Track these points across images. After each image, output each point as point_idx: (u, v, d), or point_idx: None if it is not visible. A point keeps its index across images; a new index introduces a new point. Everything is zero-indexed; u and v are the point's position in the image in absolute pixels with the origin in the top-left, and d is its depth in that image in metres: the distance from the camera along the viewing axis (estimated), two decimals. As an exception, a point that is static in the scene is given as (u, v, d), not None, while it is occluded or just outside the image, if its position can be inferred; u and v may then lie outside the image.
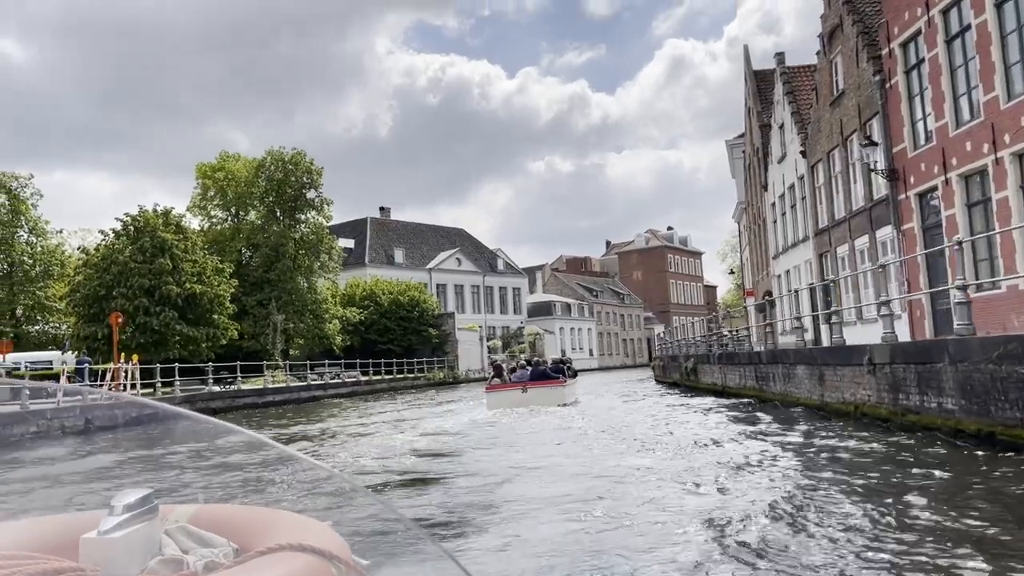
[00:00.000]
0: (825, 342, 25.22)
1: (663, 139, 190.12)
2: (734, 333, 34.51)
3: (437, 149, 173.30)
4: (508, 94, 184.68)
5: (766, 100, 33.88)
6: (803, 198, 28.08)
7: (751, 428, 11.88)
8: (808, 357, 12.22)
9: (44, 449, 17.63)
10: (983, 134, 16.28)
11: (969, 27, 16.56)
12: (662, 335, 60.18)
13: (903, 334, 20.00)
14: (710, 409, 16.76)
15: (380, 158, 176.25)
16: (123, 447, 16.52)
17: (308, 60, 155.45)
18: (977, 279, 17.20)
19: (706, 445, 10.71)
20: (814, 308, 27.27)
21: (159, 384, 28.92)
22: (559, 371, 23.40)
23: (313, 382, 38.34)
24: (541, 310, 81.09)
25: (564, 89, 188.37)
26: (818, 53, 25.51)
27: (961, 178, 17.39)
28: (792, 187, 29.29)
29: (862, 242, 22.81)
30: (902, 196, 19.90)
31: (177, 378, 27.54)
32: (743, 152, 41.12)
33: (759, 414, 14.15)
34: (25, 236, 49.52)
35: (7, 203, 48.46)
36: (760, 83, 34.82)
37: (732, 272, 49.87)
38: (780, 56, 30.38)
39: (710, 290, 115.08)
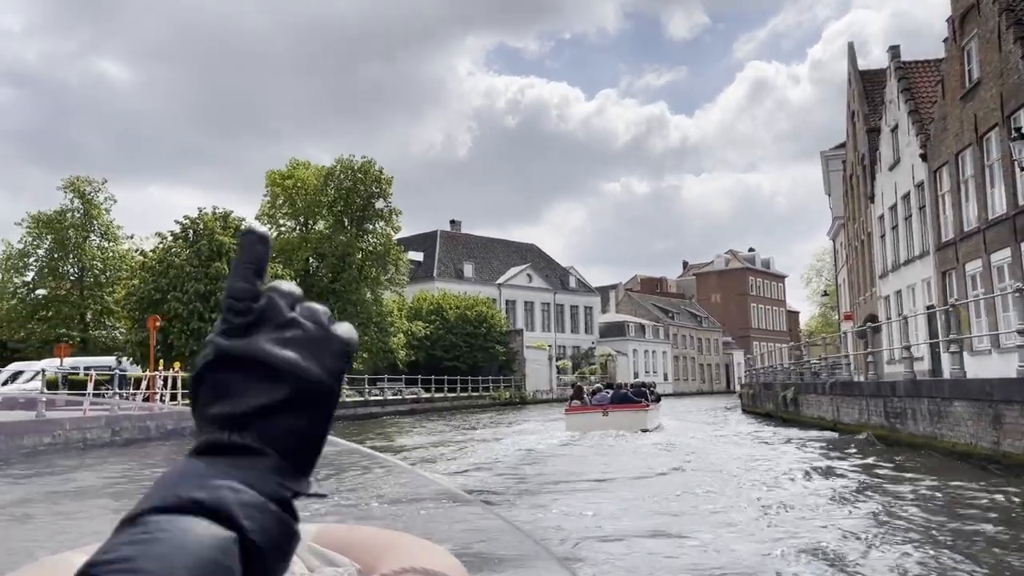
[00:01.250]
0: (946, 374, 21.82)
1: (742, 162, 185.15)
2: (823, 361, 31.11)
3: (513, 169, 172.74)
4: (586, 115, 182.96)
5: (874, 102, 30.50)
6: (921, 208, 24.65)
7: (910, 485, 8.97)
8: (978, 391, 9.29)
9: (71, 461, 15.89)
10: None
11: None
12: (748, 360, 56.42)
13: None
14: (830, 448, 13.79)
15: (456, 177, 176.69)
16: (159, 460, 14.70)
17: (392, 83, 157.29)
18: None
19: (857, 503, 7.89)
20: (933, 334, 23.85)
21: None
22: (641, 395, 22.63)
23: (371, 397, 36.35)
24: (614, 331, 77.96)
25: (642, 111, 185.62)
26: (945, 41, 22.23)
27: None
28: (907, 196, 25.87)
29: (1001, 256, 19.37)
30: (1061, 200, 16.55)
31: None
32: (842, 163, 37.61)
33: (902, 461, 11.18)
34: (97, 241, 49.46)
35: (81, 207, 48.46)
36: (867, 84, 31.45)
37: (826, 294, 46.02)
38: (895, 49, 27.08)
39: (793, 316, 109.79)
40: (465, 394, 47.19)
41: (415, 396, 41.05)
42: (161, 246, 33.45)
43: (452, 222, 73.19)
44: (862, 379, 20.65)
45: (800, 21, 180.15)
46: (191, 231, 33.43)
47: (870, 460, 11.51)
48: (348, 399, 34.27)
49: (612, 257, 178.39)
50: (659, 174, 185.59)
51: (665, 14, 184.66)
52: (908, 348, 15.37)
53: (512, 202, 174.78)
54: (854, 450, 13.19)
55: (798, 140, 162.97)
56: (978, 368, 16.27)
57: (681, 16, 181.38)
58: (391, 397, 38.52)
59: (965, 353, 21.74)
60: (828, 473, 10.73)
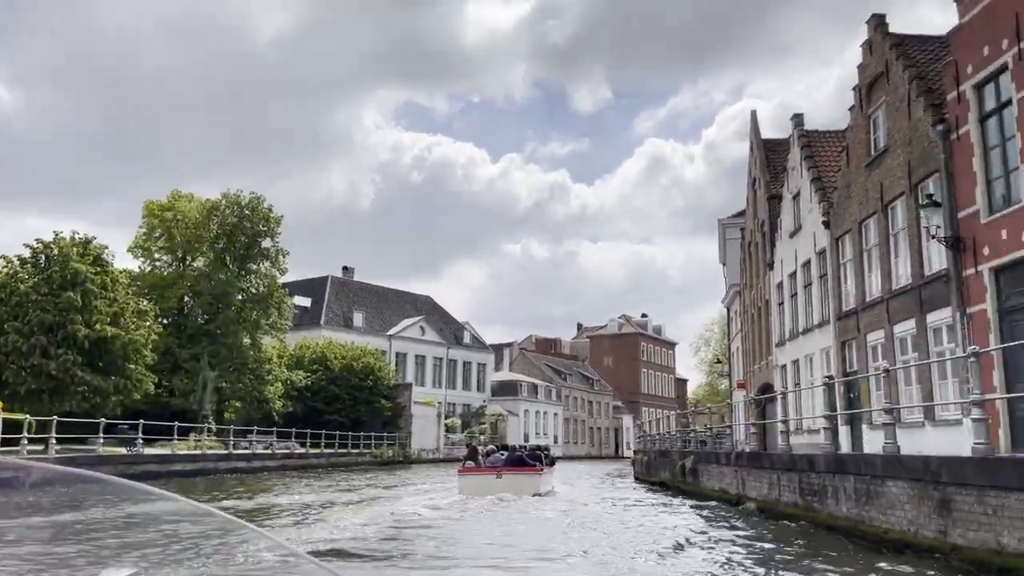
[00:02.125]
0: (845, 447, 21.03)
1: (638, 233, 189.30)
2: (709, 430, 30.34)
3: (415, 224, 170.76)
4: (491, 177, 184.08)
5: (776, 170, 30.51)
6: (822, 276, 24.24)
7: None
8: (920, 470, 7.96)
9: None
10: (1105, 190, 12.50)
11: (1086, 55, 12.99)
12: (637, 425, 55.57)
13: (967, 444, 15.85)
14: (730, 525, 12.32)
15: (357, 228, 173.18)
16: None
17: (300, 128, 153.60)
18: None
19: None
20: (831, 406, 23.21)
21: (53, 441, 23.42)
22: (536, 458, 22.49)
23: (237, 451, 33.07)
24: (506, 389, 76.22)
25: (546, 177, 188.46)
26: (851, 109, 22.08)
27: (1064, 248, 13.54)
28: (808, 264, 25.51)
29: (905, 328, 18.82)
30: (970, 271, 16.01)
31: (54, 435, 22.23)
32: (741, 231, 37.65)
33: (819, 549, 9.77)
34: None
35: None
36: (769, 152, 31.53)
37: (719, 361, 45.85)
38: (798, 118, 27.07)
39: (681, 383, 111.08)
40: (344, 451, 44.15)
41: (288, 451, 37.88)
42: (5, 270, 29.68)
43: (345, 268, 70.41)
44: (775, 449, 19.62)
45: (697, 104, 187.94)
46: (43, 256, 29.89)
47: (780, 544, 10.05)
48: (210, 451, 30.92)
49: (510, 317, 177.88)
50: (559, 239, 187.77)
51: (572, 86, 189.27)
52: (829, 418, 14.18)
53: (412, 256, 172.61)
54: (767, 534, 11.77)
55: (691, 217, 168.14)
56: (909, 443, 15.32)
57: (586, 90, 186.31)
58: (260, 451, 35.27)
59: (865, 426, 21.19)
60: (728, 557, 9.20)
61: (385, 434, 50.05)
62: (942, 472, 7.63)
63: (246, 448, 34.80)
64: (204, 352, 39.96)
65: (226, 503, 18.34)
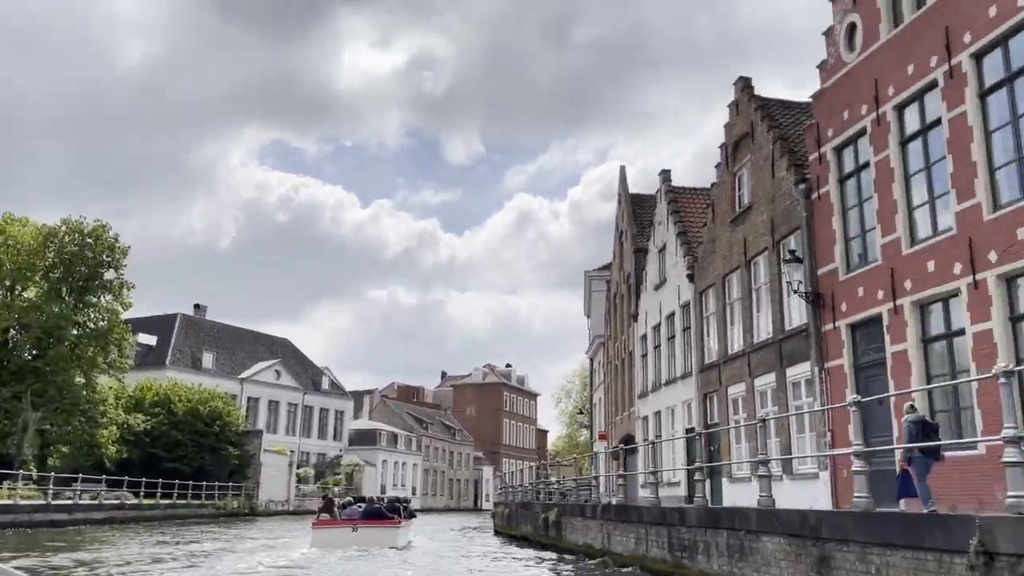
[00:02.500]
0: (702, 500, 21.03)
1: (504, 284, 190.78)
2: (572, 481, 30.09)
3: (278, 266, 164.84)
4: (360, 222, 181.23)
5: (642, 224, 31.07)
6: (685, 328, 24.55)
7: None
8: (798, 525, 7.60)
9: None
10: (955, 251, 13.03)
11: (938, 122, 13.64)
12: (498, 477, 54.72)
13: (823, 498, 16.04)
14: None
15: (215, 267, 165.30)
16: None
17: (159, 161, 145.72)
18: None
19: None
20: (691, 459, 23.28)
21: None
22: (395, 510, 22.21)
23: (58, 501, 29.70)
24: (365, 438, 73.67)
25: (416, 225, 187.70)
26: (718, 166, 22.69)
27: (916, 306, 14.01)
28: (671, 316, 25.83)
29: (765, 381, 19.12)
30: (829, 327, 16.41)
31: None
32: (607, 283, 38.12)
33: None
34: None
35: None
36: (636, 207, 32.15)
37: (581, 412, 45.96)
38: (665, 174, 27.71)
39: (542, 434, 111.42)
40: (184, 501, 40.79)
41: (118, 502, 34.47)
42: None
43: (197, 306, 66.45)
44: (635, 501, 19.25)
45: (565, 163, 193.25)
46: None
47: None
48: (24, 501, 27.55)
49: (372, 364, 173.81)
50: (426, 287, 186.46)
51: (445, 137, 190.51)
52: (694, 470, 13.87)
53: (273, 298, 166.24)
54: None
55: (555, 271, 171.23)
56: (784, 496, 15.20)
57: (460, 142, 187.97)
58: (85, 501, 31.86)
59: (725, 479, 21.29)
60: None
61: (231, 484, 46.79)
62: (822, 527, 7.26)
63: (69, 498, 31.34)
64: (27, 391, 36.05)
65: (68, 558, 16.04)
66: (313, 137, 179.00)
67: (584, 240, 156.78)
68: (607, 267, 40.93)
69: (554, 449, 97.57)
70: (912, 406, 12.97)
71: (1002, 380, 5.74)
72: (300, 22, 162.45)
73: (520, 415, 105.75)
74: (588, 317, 49.06)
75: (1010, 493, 5.52)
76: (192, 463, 45.66)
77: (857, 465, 7.49)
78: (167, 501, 39.31)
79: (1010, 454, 5.55)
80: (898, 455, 13.07)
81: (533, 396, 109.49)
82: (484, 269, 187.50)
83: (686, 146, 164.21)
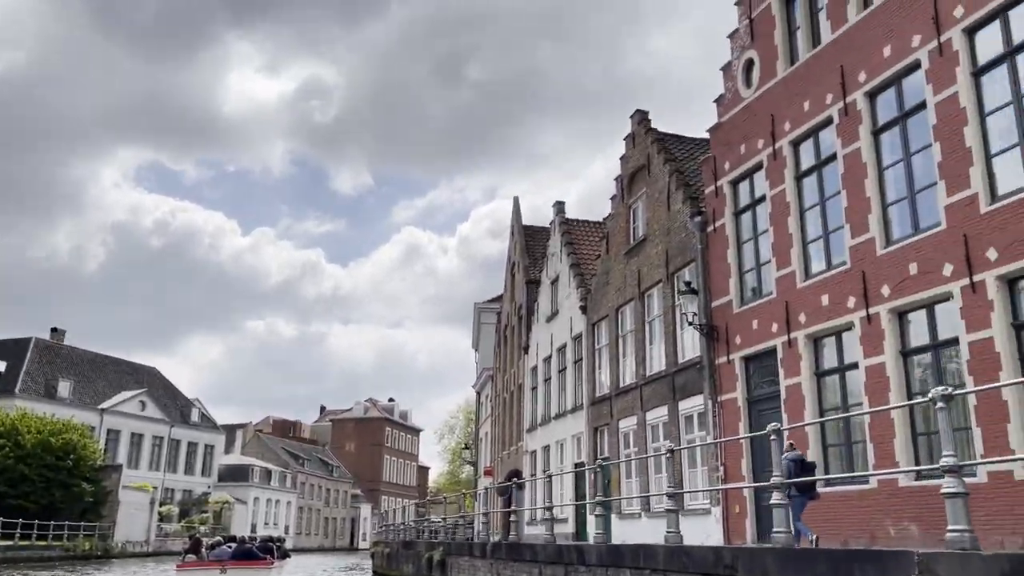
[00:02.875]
0: (592, 537, 20.54)
1: (389, 318, 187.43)
2: (459, 518, 29.10)
3: (149, 292, 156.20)
4: (240, 250, 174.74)
5: (535, 256, 30.80)
6: (577, 361, 24.21)
7: None
8: (709, 561, 7.03)
9: None
10: (848, 285, 13.13)
11: (833, 158, 13.83)
12: (376, 515, 52.79)
13: (715, 534, 15.79)
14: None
15: (80, 292, 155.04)
16: None
17: (21, 179, 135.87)
18: (825, 468, 13.55)
19: None
20: (580, 494, 22.82)
21: None
22: (267, 550, 21.57)
23: None
24: (236, 474, 69.84)
25: (298, 254, 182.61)
26: (613, 199, 22.63)
27: (810, 339, 14.05)
28: (563, 348, 25.47)
29: (657, 415, 18.89)
30: (722, 359, 16.33)
31: None
32: (497, 314, 37.60)
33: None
34: None
35: None
36: (529, 239, 31.89)
37: (467, 447, 44.99)
38: (560, 205, 27.57)
39: (423, 471, 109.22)
40: (27, 542, 37.02)
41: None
42: None
43: (54, 330, 61.56)
44: (521, 538, 18.45)
45: (453, 199, 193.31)
46: None
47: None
48: None
49: (248, 397, 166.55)
50: (307, 319, 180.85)
51: (333, 167, 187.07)
52: (593, 505, 13.25)
53: (142, 325, 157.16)
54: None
55: (442, 306, 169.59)
56: (658, 533, 14.80)
57: (348, 173, 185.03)
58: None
59: (614, 515, 20.85)
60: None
61: (83, 523, 42.95)
62: (738, 565, 6.74)
63: None
64: None
65: None
66: (193, 160, 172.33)
67: (472, 275, 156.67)
68: (497, 299, 40.49)
69: (435, 486, 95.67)
70: (791, 444, 12.98)
71: (940, 405, 5.42)
72: (185, 43, 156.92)
73: (402, 451, 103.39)
74: (476, 350, 48.37)
75: (951, 527, 5.12)
76: (40, 500, 41.64)
77: (776, 498, 7.02)
78: (8, 542, 35.54)
79: (949, 484, 5.17)
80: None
81: (416, 432, 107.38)
82: (369, 302, 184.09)
83: (573, 187, 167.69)
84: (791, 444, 12.96)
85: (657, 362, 19.18)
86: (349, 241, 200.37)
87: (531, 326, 29.13)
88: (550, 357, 26.61)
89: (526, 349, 29.47)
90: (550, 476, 17.42)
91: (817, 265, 14.18)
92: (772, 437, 8.00)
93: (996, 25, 11.04)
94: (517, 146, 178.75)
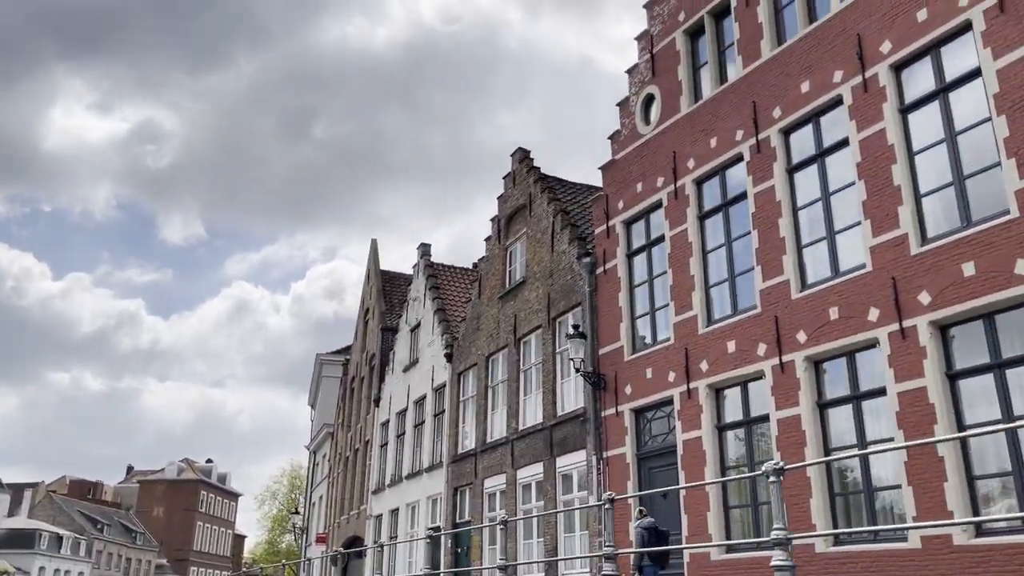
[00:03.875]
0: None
1: (211, 376, 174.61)
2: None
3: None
4: (49, 295, 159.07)
5: (392, 303, 28.73)
6: (438, 414, 22.19)
7: None
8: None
9: None
10: (759, 331, 12.17)
11: (743, 197, 13.03)
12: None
13: (597, 607, 14.11)
14: None
15: None
16: None
17: None
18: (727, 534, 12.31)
19: None
20: (434, 563, 20.54)
21: None
22: None
23: None
24: (19, 540, 61.07)
25: (116, 304, 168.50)
26: (488, 240, 21.17)
27: (712, 390, 12.95)
28: (422, 400, 23.39)
29: (531, 473, 17.19)
30: (610, 411, 14.96)
31: None
32: (344, 364, 34.90)
33: None
34: None
35: None
36: (387, 284, 29.80)
37: (297, 512, 41.01)
38: (425, 248, 25.79)
39: (239, 539, 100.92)
40: None
41: None
42: None
43: None
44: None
45: (291, 256, 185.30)
46: None
47: None
48: None
49: (45, 456, 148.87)
50: (120, 374, 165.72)
51: (163, 216, 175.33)
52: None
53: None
54: None
55: (269, 365, 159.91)
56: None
57: (179, 222, 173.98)
58: None
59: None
60: None
61: None
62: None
63: None
64: None
65: None
66: (3, 195, 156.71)
67: (304, 335, 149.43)
68: (343, 351, 37.81)
69: (251, 557, 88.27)
70: (642, 510, 11.80)
71: (772, 479, 4.40)
72: (3, 69, 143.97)
73: (217, 517, 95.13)
74: (313, 407, 45.08)
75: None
76: None
77: (608, 569, 5.47)
78: None
79: (778, 558, 4.23)
80: (632, 559, 11.78)
81: (234, 496, 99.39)
82: (190, 358, 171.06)
83: (415, 252, 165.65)
84: (642, 511, 11.78)
85: (532, 415, 17.59)
86: (174, 293, 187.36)
87: (384, 377, 26.83)
88: (405, 410, 24.40)
89: (377, 401, 27.06)
90: (359, 551, 15.15)
91: (721, 309, 13.21)
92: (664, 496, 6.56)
93: (927, 61, 10.62)
94: (360, 207, 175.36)
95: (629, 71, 16.27)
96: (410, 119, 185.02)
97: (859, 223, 11.04)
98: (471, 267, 25.59)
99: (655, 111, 15.40)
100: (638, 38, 16.12)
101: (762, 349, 12.06)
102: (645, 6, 15.98)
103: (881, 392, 10.37)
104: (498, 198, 20.79)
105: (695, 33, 14.86)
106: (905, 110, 10.80)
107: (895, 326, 10.22)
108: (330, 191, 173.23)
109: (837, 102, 11.68)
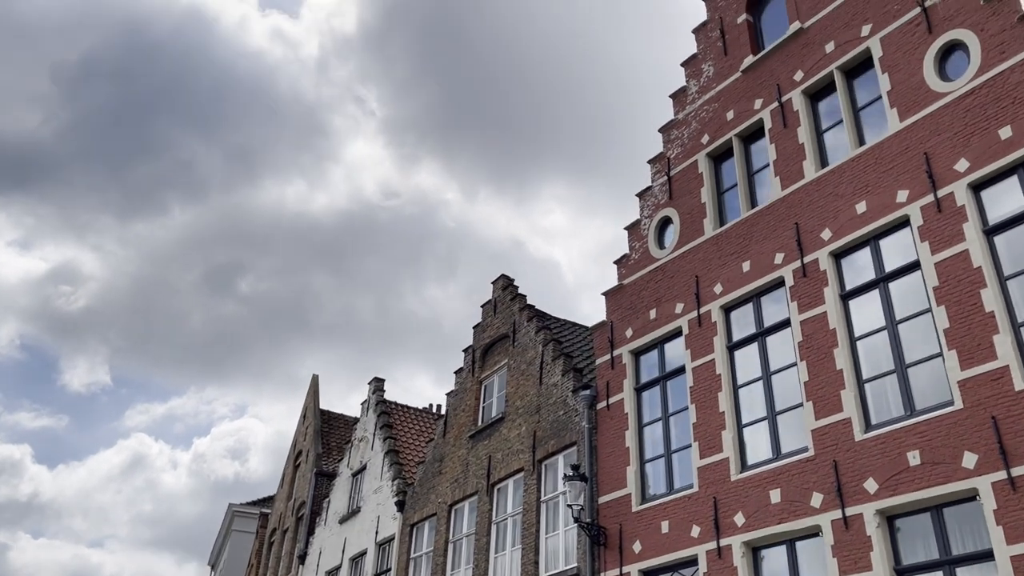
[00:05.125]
0: None
1: (90, 535, 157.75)
2: None
3: None
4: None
5: (329, 446, 25.84)
6: (382, 573, 19.04)
7: None
8: None
9: None
10: (814, 477, 10.31)
11: (784, 325, 11.57)
12: None
13: None
14: None
15: None
16: None
17: None
18: None
19: None
20: None
21: None
22: None
23: None
24: None
25: (1, 449, 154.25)
26: (459, 372, 19.08)
27: (749, 548, 10.84)
28: (361, 556, 20.20)
29: (501, 648, 14.27)
30: (612, 572, 12.56)
31: None
32: (261, 515, 31.03)
33: None
34: None
35: None
36: (326, 424, 26.96)
37: None
38: (378, 382, 23.38)
39: None
40: None
41: None
42: None
43: None
44: None
45: (198, 410, 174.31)
46: None
47: None
48: None
49: None
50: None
51: (67, 360, 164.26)
52: None
53: None
54: None
55: (156, 527, 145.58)
56: None
57: (83, 368, 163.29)
58: None
59: None
60: None
61: None
62: None
63: None
64: None
65: None
66: None
67: (200, 497, 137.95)
68: (260, 501, 33.95)
69: None
70: None
71: None
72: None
73: None
74: (213, 568, 40.15)
75: None
76: None
77: None
78: None
79: None
80: None
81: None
82: (70, 513, 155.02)
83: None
84: None
85: (510, 571, 14.88)
86: (66, 441, 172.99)
87: (314, 529, 23.49)
88: (338, 568, 21.05)
89: (303, 558, 23.50)
90: None
91: (760, 452, 11.35)
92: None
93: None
94: (277, 366, 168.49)
95: (640, 194, 15.18)
96: (339, 283, 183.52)
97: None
98: (428, 407, 23.31)
99: (672, 234, 14.17)
100: (652, 161, 15.17)
101: (817, 500, 10.16)
102: (661, 130, 15.17)
103: (986, 554, 8.54)
104: (474, 327, 18.96)
105: (720, 156, 13.97)
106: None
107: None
108: (248, 347, 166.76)
109: (904, 222, 10.56)
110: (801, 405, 10.90)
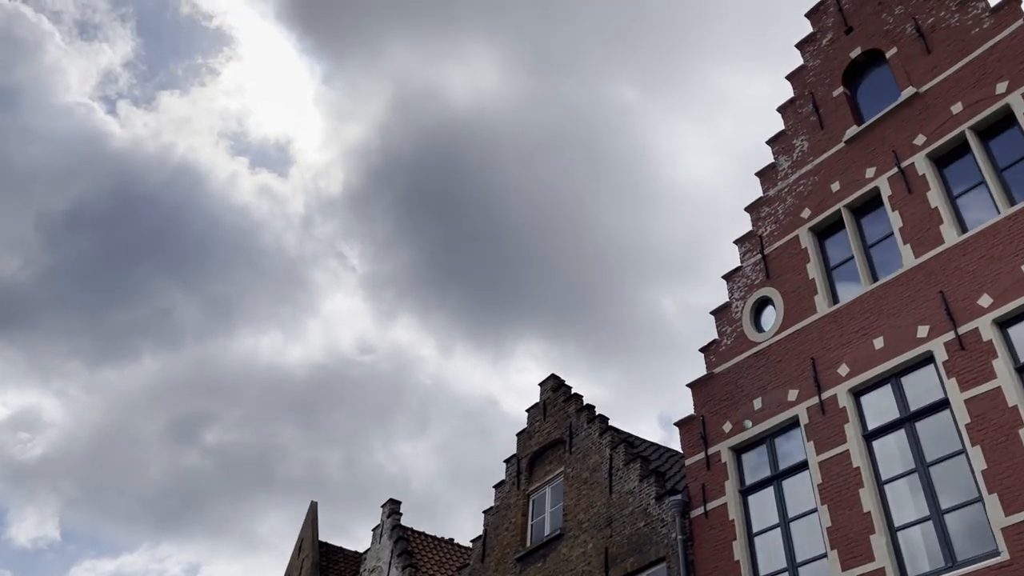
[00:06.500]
0: None
1: None
2: None
3: None
4: None
5: (327, 579, 22.69)
6: None
7: None
8: None
9: None
10: (1012, 587, 8.20)
11: (942, 406, 9.75)
12: None
13: None
14: None
15: None
16: None
17: None
18: None
19: None
20: None
21: None
22: None
23: None
24: None
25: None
26: (498, 486, 16.69)
27: None
28: None
29: None
30: None
31: None
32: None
33: None
34: None
35: None
36: (324, 557, 23.82)
37: None
38: (394, 504, 20.56)
39: None
40: None
41: None
42: None
43: None
44: None
45: (148, 569, 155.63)
46: None
47: None
48: None
49: None
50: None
51: (15, 512, 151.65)
52: None
53: None
54: None
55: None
56: None
57: (32, 521, 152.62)
58: None
59: None
60: None
61: None
62: None
63: None
64: None
65: None
66: None
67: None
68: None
69: None
70: None
71: None
72: None
73: None
74: None
75: None
76: None
77: None
78: None
79: None
80: None
81: None
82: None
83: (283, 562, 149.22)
84: None
85: None
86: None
87: None
88: None
89: None
90: None
91: (921, 563, 9.21)
92: None
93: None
94: (236, 522, 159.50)
95: (727, 276, 13.67)
96: (307, 436, 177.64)
97: None
98: (449, 540, 20.68)
99: (773, 316, 12.55)
100: (739, 241, 13.77)
101: (1025, 617, 8.01)
102: (747, 208, 13.89)
103: None
104: (518, 434, 16.79)
105: (824, 231, 12.60)
106: None
107: None
108: (208, 502, 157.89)
109: (1088, 280, 9.05)
110: (980, 501, 8.92)
